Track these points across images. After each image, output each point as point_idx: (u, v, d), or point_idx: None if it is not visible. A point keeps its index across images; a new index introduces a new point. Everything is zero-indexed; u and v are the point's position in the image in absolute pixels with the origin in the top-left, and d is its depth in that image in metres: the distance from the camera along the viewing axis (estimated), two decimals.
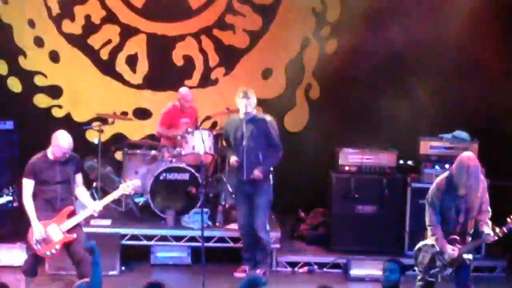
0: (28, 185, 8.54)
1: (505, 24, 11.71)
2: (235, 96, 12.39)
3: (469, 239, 8.25)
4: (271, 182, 9.99)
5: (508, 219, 8.14)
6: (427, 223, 8.24)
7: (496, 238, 8.13)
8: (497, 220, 10.63)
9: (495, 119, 11.51)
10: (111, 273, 9.87)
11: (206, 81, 12.55)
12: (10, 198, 7.95)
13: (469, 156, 8.13)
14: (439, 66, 11.68)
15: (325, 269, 10.58)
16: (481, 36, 11.64)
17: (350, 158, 10.87)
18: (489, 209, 8.24)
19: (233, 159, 9.75)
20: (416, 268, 8.37)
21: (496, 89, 11.50)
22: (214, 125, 12.18)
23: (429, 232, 8.23)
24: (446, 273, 8.17)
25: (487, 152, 10.76)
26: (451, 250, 8.11)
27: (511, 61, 11.65)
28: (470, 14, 11.39)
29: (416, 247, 8.38)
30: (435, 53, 11.71)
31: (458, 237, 8.15)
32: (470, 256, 8.21)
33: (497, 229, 8.13)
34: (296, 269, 10.57)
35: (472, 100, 11.66)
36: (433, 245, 8.19)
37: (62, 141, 8.49)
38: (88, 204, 8.69)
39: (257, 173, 9.70)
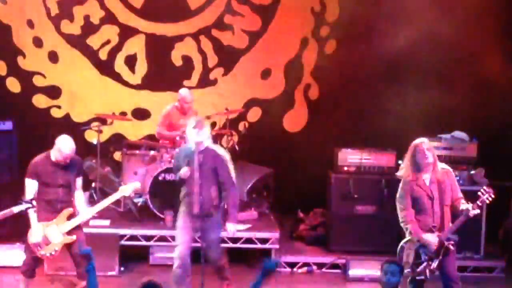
0: (30, 185, 8.54)
1: (504, 24, 11.72)
2: (234, 96, 12.49)
3: (450, 226, 8.21)
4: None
5: (479, 193, 8.15)
6: (400, 220, 8.28)
7: (476, 212, 8.08)
8: (497, 220, 10.71)
9: (494, 119, 11.52)
10: (110, 273, 9.88)
11: (205, 81, 12.55)
12: (29, 205, 7.97)
13: (418, 140, 8.35)
14: (438, 66, 11.69)
15: (324, 270, 10.59)
16: (481, 36, 11.64)
17: (349, 158, 10.87)
18: (462, 195, 8.29)
19: (184, 170, 8.80)
20: (405, 270, 8.32)
21: (495, 89, 11.51)
22: (213, 125, 12.17)
23: (404, 228, 8.27)
24: (433, 265, 8.15)
25: (486, 152, 10.78)
26: (431, 239, 8.11)
27: (510, 61, 11.65)
28: (469, 14, 11.40)
29: (399, 247, 8.38)
30: (434, 53, 11.71)
31: (436, 225, 8.14)
32: (452, 242, 8.18)
33: (472, 205, 8.12)
34: (295, 269, 10.58)
35: (471, 101, 11.67)
36: (414, 240, 8.20)
37: (63, 146, 8.50)
38: (81, 210, 8.69)
39: (233, 229, 9.03)
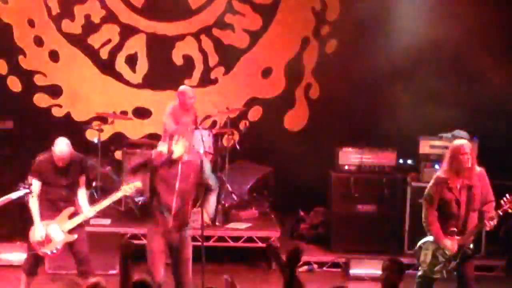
0: (34, 184, 8.54)
1: (504, 24, 11.72)
2: (235, 95, 12.49)
3: (470, 230, 8.17)
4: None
5: (502, 202, 8.10)
6: (423, 219, 8.22)
7: (494, 223, 8.04)
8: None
9: (495, 118, 11.52)
10: (111, 272, 9.87)
11: (205, 80, 12.55)
12: (27, 190, 7.96)
13: (460, 141, 8.21)
14: (439, 65, 11.70)
15: (325, 268, 10.60)
16: (481, 36, 11.65)
17: (350, 157, 10.88)
18: (493, 198, 8.15)
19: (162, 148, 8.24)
20: (419, 268, 8.32)
21: (496, 88, 11.51)
22: (213, 124, 12.19)
23: (426, 228, 8.23)
24: (450, 267, 8.14)
25: (486, 151, 10.76)
26: (450, 245, 8.08)
27: (511, 61, 11.66)
28: (470, 14, 11.41)
29: (417, 246, 8.36)
30: (435, 53, 11.72)
31: (456, 229, 8.10)
32: (470, 246, 8.16)
33: (493, 214, 8.07)
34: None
35: (472, 100, 11.67)
36: (432, 241, 8.18)
37: (57, 149, 8.48)
38: (83, 208, 8.69)
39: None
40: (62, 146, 8.50)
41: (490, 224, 8.03)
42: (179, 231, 8.26)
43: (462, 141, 8.24)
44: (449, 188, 8.06)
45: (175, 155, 8.00)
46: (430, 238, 8.19)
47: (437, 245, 8.12)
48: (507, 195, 8.13)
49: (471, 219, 8.10)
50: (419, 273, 8.27)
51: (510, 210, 8.08)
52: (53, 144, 8.57)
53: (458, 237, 8.06)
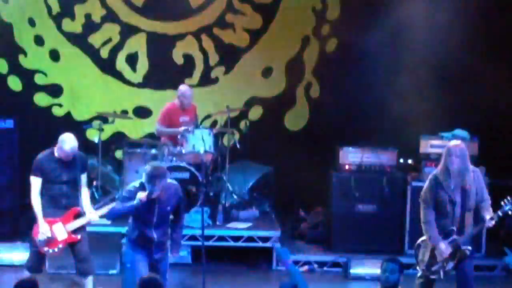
0: (35, 182, 8.54)
1: (505, 24, 11.72)
2: (235, 94, 12.49)
3: (469, 230, 8.18)
4: None
5: (502, 203, 8.12)
6: (421, 220, 8.24)
7: (494, 222, 8.05)
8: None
9: (495, 118, 11.52)
10: (111, 272, 9.89)
11: (206, 80, 12.54)
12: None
13: (453, 142, 8.20)
14: (439, 65, 11.69)
15: (325, 268, 10.60)
16: (481, 37, 11.65)
17: (350, 156, 10.88)
18: (488, 196, 8.19)
19: (141, 194, 7.95)
20: (417, 267, 8.33)
21: (496, 88, 11.51)
22: (214, 124, 12.19)
23: (423, 229, 8.24)
24: (448, 267, 8.14)
25: (487, 151, 10.78)
26: (443, 249, 8.08)
27: (511, 61, 11.66)
28: (471, 13, 11.40)
29: (416, 245, 8.37)
30: (435, 52, 11.72)
31: (455, 229, 8.12)
32: (469, 247, 8.17)
33: (493, 215, 8.09)
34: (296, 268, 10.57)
35: (472, 99, 11.67)
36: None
37: (66, 145, 8.51)
38: (86, 210, 8.69)
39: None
40: (72, 142, 8.52)
41: (490, 224, 8.05)
42: (163, 247, 8.25)
43: (456, 141, 8.26)
44: (444, 188, 8.09)
45: (153, 195, 7.93)
46: (428, 242, 8.21)
47: (434, 248, 8.14)
48: (508, 197, 8.14)
49: (467, 218, 8.13)
50: (419, 273, 8.28)
51: (510, 212, 8.09)
52: (56, 142, 8.56)
53: (456, 237, 8.07)
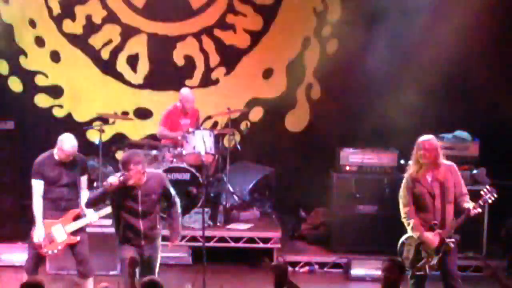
0: (37, 185, 8.55)
1: (505, 24, 11.72)
2: (236, 96, 12.49)
3: (451, 223, 8.20)
4: None
5: (482, 192, 8.18)
6: (402, 216, 8.29)
7: (477, 211, 8.10)
8: (498, 219, 10.69)
9: (495, 119, 11.51)
10: (111, 272, 9.88)
11: (207, 81, 12.54)
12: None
13: (424, 136, 8.34)
14: (439, 65, 11.67)
15: (326, 269, 10.61)
16: (482, 37, 11.64)
17: (351, 158, 10.89)
18: (466, 191, 8.28)
19: (112, 178, 8.03)
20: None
21: (496, 89, 11.51)
22: (215, 125, 12.19)
23: (406, 224, 8.27)
24: (432, 262, 8.16)
25: (487, 152, 10.78)
26: (431, 238, 8.11)
27: (511, 61, 11.66)
28: (471, 13, 11.40)
29: (400, 242, 8.38)
30: (436, 53, 11.70)
31: (437, 223, 8.14)
32: (453, 239, 8.18)
33: (474, 204, 8.14)
34: (297, 268, 10.58)
35: (472, 100, 11.67)
36: (415, 237, 8.21)
37: (65, 145, 8.51)
38: (87, 212, 8.69)
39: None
40: (72, 141, 8.54)
41: (474, 212, 8.10)
42: (152, 243, 8.26)
43: (427, 136, 8.37)
44: (420, 182, 8.21)
45: (128, 181, 7.93)
46: (411, 233, 8.23)
47: (419, 239, 8.15)
48: (487, 186, 8.26)
49: (448, 212, 8.20)
50: (409, 274, 8.24)
51: (490, 201, 8.20)
52: (56, 143, 8.57)
53: (440, 231, 8.10)
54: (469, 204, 8.14)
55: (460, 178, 8.34)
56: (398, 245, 8.39)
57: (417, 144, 8.30)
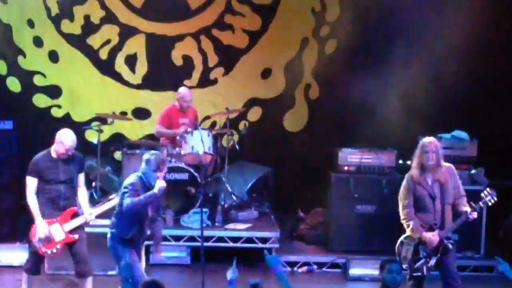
0: (31, 183, 8.53)
1: (506, 24, 11.73)
2: (234, 96, 12.50)
3: (450, 224, 8.24)
4: None
5: (482, 194, 8.20)
6: (401, 217, 8.31)
7: (475, 215, 8.13)
8: (497, 219, 10.70)
9: (494, 119, 11.52)
10: (110, 272, 9.87)
11: (205, 81, 12.55)
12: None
13: (428, 138, 8.34)
14: (439, 65, 11.68)
15: (324, 269, 10.60)
16: (481, 37, 11.65)
17: (350, 158, 10.88)
18: (464, 193, 8.31)
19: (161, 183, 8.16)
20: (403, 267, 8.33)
21: (496, 89, 11.51)
22: (213, 125, 12.19)
23: (405, 225, 8.28)
24: (431, 263, 8.16)
25: (486, 152, 10.78)
26: (431, 236, 8.12)
27: (511, 61, 11.66)
28: (472, 14, 11.40)
29: (398, 242, 8.38)
30: (435, 53, 11.71)
31: (437, 223, 8.15)
32: (451, 241, 8.20)
33: (474, 206, 8.17)
34: (295, 268, 10.57)
35: (471, 100, 11.67)
36: (414, 237, 8.22)
37: (65, 138, 8.50)
38: (84, 209, 8.69)
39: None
40: (71, 135, 8.53)
41: (472, 216, 8.11)
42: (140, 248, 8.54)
43: (428, 138, 8.37)
44: (420, 183, 8.22)
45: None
46: (410, 233, 8.23)
47: (418, 239, 8.16)
48: (487, 189, 8.25)
49: (447, 213, 8.23)
50: (407, 275, 8.25)
51: (490, 203, 8.21)
52: (55, 139, 8.55)
53: (439, 231, 8.12)
54: (467, 208, 8.15)
55: (458, 180, 8.36)
56: (397, 245, 8.39)
57: (422, 146, 8.28)
